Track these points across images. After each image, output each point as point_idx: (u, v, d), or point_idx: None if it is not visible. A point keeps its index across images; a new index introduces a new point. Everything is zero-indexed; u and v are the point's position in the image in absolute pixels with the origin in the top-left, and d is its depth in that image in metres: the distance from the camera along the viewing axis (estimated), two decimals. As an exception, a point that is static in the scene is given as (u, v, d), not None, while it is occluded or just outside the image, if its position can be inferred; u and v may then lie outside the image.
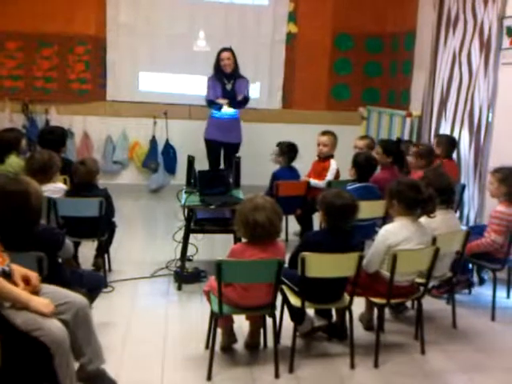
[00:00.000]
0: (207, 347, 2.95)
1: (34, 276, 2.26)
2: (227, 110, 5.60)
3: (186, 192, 4.05)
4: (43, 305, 2.09)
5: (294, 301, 2.83)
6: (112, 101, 6.41)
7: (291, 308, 2.92)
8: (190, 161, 4.25)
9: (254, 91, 6.71)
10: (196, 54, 6.47)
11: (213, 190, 3.96)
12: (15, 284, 2.19)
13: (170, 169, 6.59)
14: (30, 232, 2.62)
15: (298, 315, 2.92)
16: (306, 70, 6.68)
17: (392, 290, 2.87)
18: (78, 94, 6.33)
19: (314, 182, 4.63)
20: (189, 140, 6.29)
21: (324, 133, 4.84)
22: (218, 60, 5.55)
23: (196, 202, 3.86)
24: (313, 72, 6.69)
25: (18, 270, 2.25)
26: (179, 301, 3.66)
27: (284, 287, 2.90)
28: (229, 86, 5.58)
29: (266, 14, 6.58)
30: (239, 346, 3.02)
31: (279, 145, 4.78)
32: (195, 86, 6.41)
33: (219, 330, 2.87)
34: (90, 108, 6.37)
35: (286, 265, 2.80)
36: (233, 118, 5.69)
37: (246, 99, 5.63)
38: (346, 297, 2.89)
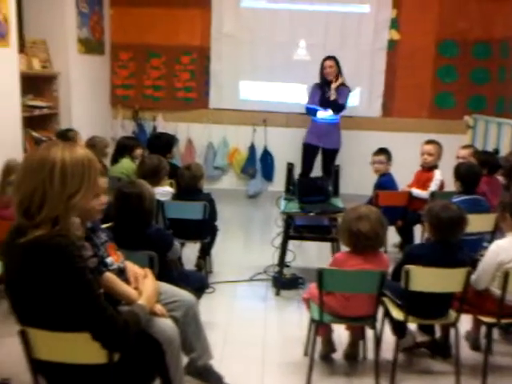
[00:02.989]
0: (306, 354, 2.97)
1: (147, 270, 2.36)
2: (323, 115, 5.61)
3: (285, 199, 4.10)
4: (158, 308, 2.20)
5: (397, 314, 2.76)
6: (214, 109, 6.65)
7: (393, 321, 2.85)
8: (290, 168, 4.30)
9: (354, 99, 6.66)
10: (295, 62, 6.53)
11: (312, 197, 3.97)
12: (127, 281, 2.31)
13: (268, 175, 6.70)
14: (143, 232, 2.79)
15: (400, 329, 2.84)
16: (408, 77, 6.52)
17: (503, 309, 2.72)
18: (184, 101, 6.64)
19: (416, 192, 4.49)
20: (286, 147, 6.37)
21: (429, 142, 4.68)
22: (322, 68, 5.62)
23: (295, 208, 3.89)
24: (415, 79, 6.51)
25: (132, 268, 2.37)
26: (277, 306, 3.70)
27: (386, 299, 2.84)
28: (328, 95, 5.58)
29: (367, 21, 6.51)
30: (338, 355, 3.00)
31: (385, 151, 4.64)
32: (293, 94, 6.49)
33: (318, 338, 2.87)
34: (194, 115, 6.65)
35: (389, 277, 2.75)
36: (332, 123, 5.68)
37: (342, 106, 5.57)
38: (452, 313, 2.78)
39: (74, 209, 1.76)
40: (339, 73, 5.60)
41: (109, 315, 1.79)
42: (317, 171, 5.75)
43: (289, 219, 3.93)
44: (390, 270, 2.79)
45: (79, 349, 1.81)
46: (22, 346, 1.86)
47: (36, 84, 5.20)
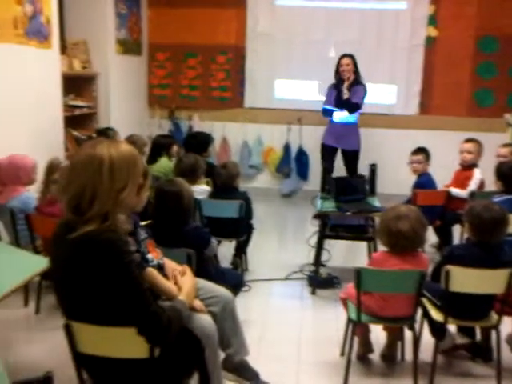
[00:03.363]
0: (342, 354, 2.96)
1: (185, 267, 2.40)
2: (339, 116, 5.50)
3: (320, 198, 4.09)
4: (197, 304, 2.24)
5: (436, 315, 2.72)
6: (249, 108, 6.68)
7: (432, 322, 2.82)
8: (325, 167, 4.29)
9: (390, 96, 6.59)
10: (330, 60, 6.47)
11: (348, 196, 3.95)
12: (166, 277, 2.35)
13: (303, 174, 6.69)
14: (181, 230, 2.83)
15: (439, 330, 2.80)
16: (446, 74, 6.40)
17: (547, 312, 2.65)
18: (219, 101, 6.69)
19: (455, 191, 4.41)
20: (321, 146, 6.32)
21: (468, 140, 4.59)
22: (338, 66, 5.50)
23: (331, 208, 3.88)
24: (453, 76, 6.38)
25: (170, 265, 2.41)
26: (313, 305, 3.70)
27: (425, 300, 2.81)
28: (344, 94, 5.44)
29: (404, 17, 6.42)
30: (375, 356, 2.98)
31: (423, 151, 4.57)
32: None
33: (356, 339, 2.85)
34: (229, 114, 6.69)
35: (428, 277, 2.71)
36: (348, 123, 5.57)
37: (356, 105, 5.40)
38: (493, 315, 2.72)
39: (121, 204, 1.81)
40: (356, 71, 5.46)
41: (154, 310, 1.83)
42: (341, 172, 5.64)
43: (325, 218, 3.92)
44: (430, 270, 2.75)
45: (122, 343, 1.86)
46: (66, 340, 1.91)
47: (76, 84, 5.33)
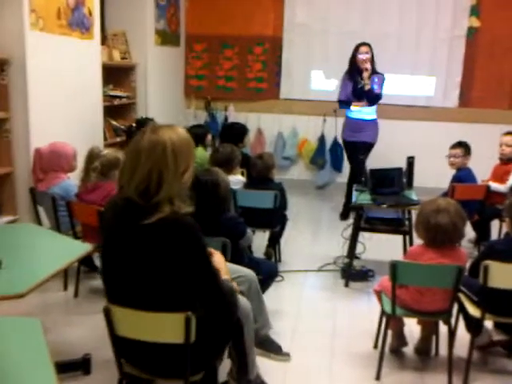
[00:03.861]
0: (375, 347, 2.95)
1: (211, 249, 2.45)
2: (358, 107, 5.23)
3: (356, 190, 4.06)
4: (234, 284, 2.29)
5: (473, 311, 2.68)
6: (285, 99, 6.66)
7: (468, 318, 2.77)
8: (362, 159, 4.25)
9: (429, 88, 6.47)
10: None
11: (385, 189, 3.91)
12: None
13: (337, 166, 6.64)
14: (218, 219, 2.86)
15: (475, 326, 2.75)
16: (488, 66, 6.25)
17: None
18: (255, 92, 6.70)
19: (494, 185, 4.30)
20: (357, 138, 6.26)
21: (508, 132, 4.47)
22: (354, 55, 5.16)
23: (367, 200, 3.85)
24: (496, 68, 6.22)
25: None
26: (346, 297, 3.69)
27: (461, 295, 2.76)
28: (361, 84, 5.13)
29: (445, 7, 6.29)
30: (408, 349, 2.95)
31: (462, 145, 4.48)
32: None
33: (389, 331, 2.84)
34: (265, 105, 6.70)
35: (466, 272, 2.67)
36: (368, 120, 5.27)
37: (378, 95, 5.16)
38: (533, 313, 2.66)
39: (184, 186, 1.88)
40: (372, 59, 5.14)
41: (226, 289, 1.96)
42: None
43: (360, 211, 3.89)
44: (467, 265, 2.70)
45: (161, 328, 1.90)
46: (102, 323, 1.96)
47: (116, 74, 5.43)
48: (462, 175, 4.39)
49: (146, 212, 1.80)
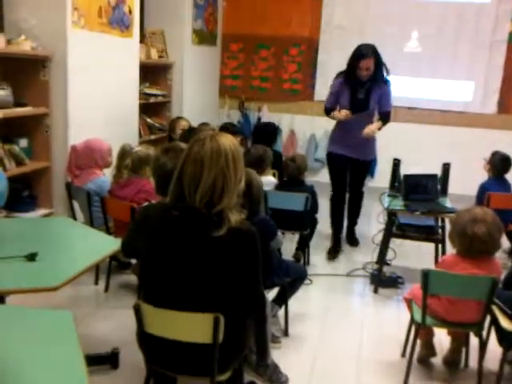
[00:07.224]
0: (403, 355, 2.90)
1: None
2: (341, 116, 4.20)
3: (389, 195, 4.01)
4: None
5: (506, 324, 2.61)
6: (319, 101, 6.61)
7: (501, 331, 2.70)
8: (396, 164, 4.19)
9: (466, 94, 6.34)
10: (405, 54, 6.33)
11: (418, 195, 3.85)
12: None
13: (369, 170, 6.55)
14: (249, 220, 2.86)
15: (508, 340, 2.68)
16: (529, 72, 6.09)
17: None
18: (289, 93, 6.69)
19: (531, 196, 4.19)
20: (391, 142, 6.18)
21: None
22: (354, 65, 4.13)
23: (399, 206, 3.79)
24: (538, 74, 6.06)
25: None
26: (375, 304, 3.64)
27: (494, 307, 2.69)
28: (361, 94, 4.24)
29: (487, 12, 6.16)
30: (437, 360, 2.90)
31: (494, 154, 4.39)
32: (400, 87, 6.27)
33: (418, 341, 2.79)
34: (299, 107, 6.68)
35: (500, 284, 2.61)
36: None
37: (390, 113, 4.35)
38: None
39: (240, 194, 1.91)
40: (379, 64, 4.17)
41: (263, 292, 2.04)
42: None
43: (392, 216, 3.84)
44: (502, 276, 2.64)
45: (190, 327, 1.91)
46: (130, 319, 1.98)
47: (152, 73, 5.50)
48: (489, 183, 4.30)
49: (214, 223, 1.82)
